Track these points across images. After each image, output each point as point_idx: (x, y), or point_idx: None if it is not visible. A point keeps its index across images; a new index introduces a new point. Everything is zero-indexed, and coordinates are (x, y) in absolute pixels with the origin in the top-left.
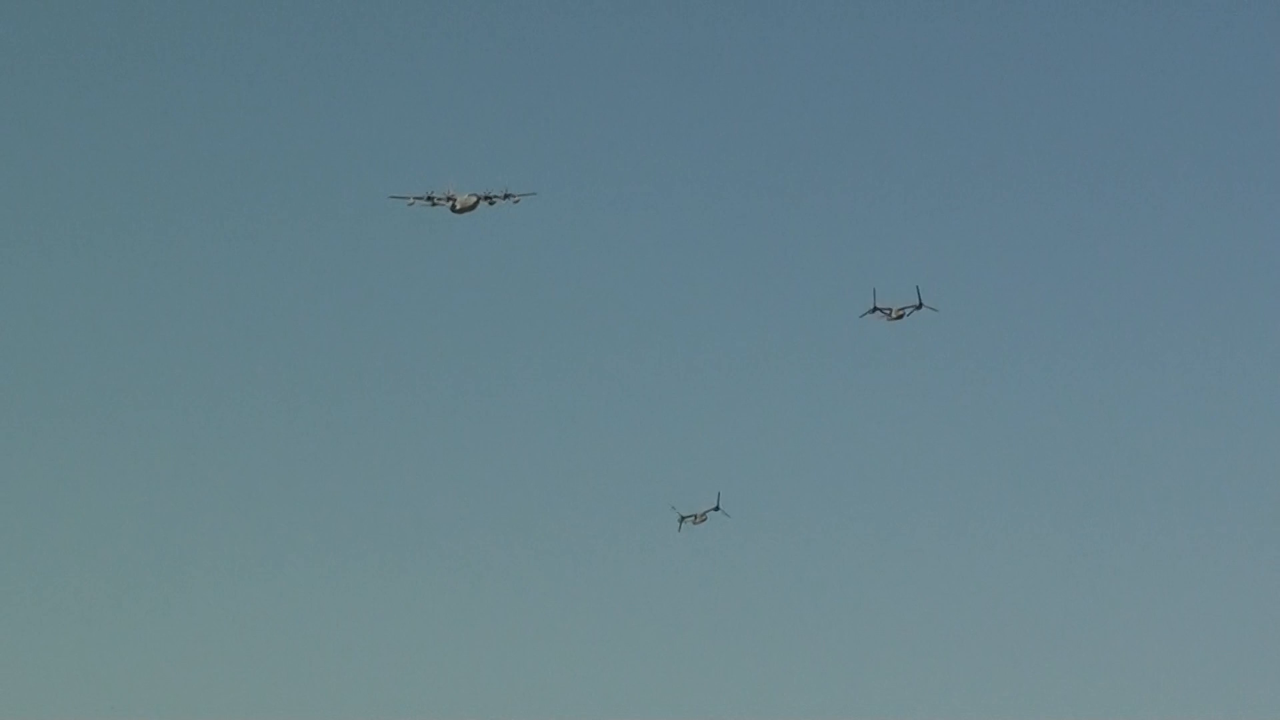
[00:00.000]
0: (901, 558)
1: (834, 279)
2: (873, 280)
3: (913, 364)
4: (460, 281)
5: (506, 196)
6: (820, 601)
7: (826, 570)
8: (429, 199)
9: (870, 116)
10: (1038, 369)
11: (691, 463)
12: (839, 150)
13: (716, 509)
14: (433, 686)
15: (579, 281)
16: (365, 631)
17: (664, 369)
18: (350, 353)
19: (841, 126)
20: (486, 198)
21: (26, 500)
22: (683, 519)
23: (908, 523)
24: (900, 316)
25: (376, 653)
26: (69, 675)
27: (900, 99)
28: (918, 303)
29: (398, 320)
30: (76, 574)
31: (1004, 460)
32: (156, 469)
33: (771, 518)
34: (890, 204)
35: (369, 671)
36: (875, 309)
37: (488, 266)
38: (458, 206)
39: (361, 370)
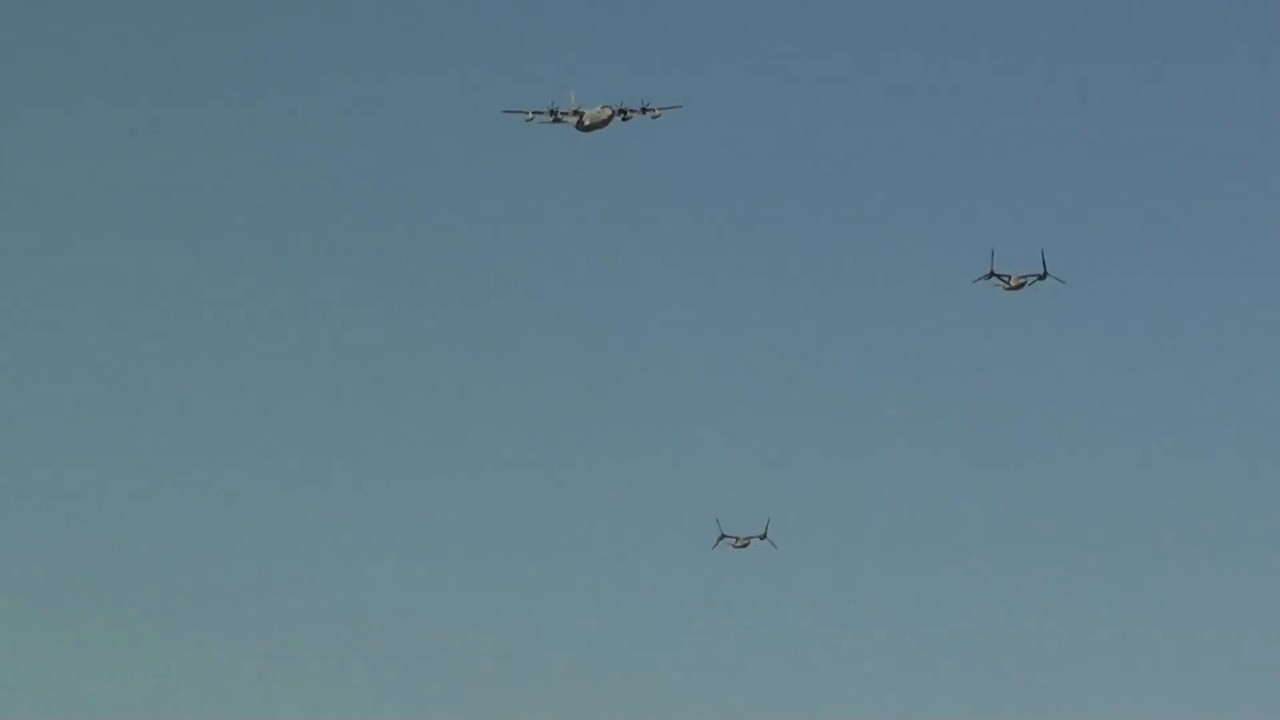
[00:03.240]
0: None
1: (952, 237)
2: (991, 242)
3: (1032, 345)
4: (584, 210)
5: (644, 110)
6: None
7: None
8: (552, 113)
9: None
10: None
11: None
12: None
13: (763, 536)
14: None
15: (705, 212)
16: (377, 638)
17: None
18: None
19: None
20: (620, 111)
21: (29, 501)
22: (722, 538)
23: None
24: (1020, 286)
25: (390, 657)
26: (70, 677)
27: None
28: (1042, 272)
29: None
30: (77, 574)
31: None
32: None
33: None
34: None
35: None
36: (992, 274)
37: (616, 193)
38: (586, 122)
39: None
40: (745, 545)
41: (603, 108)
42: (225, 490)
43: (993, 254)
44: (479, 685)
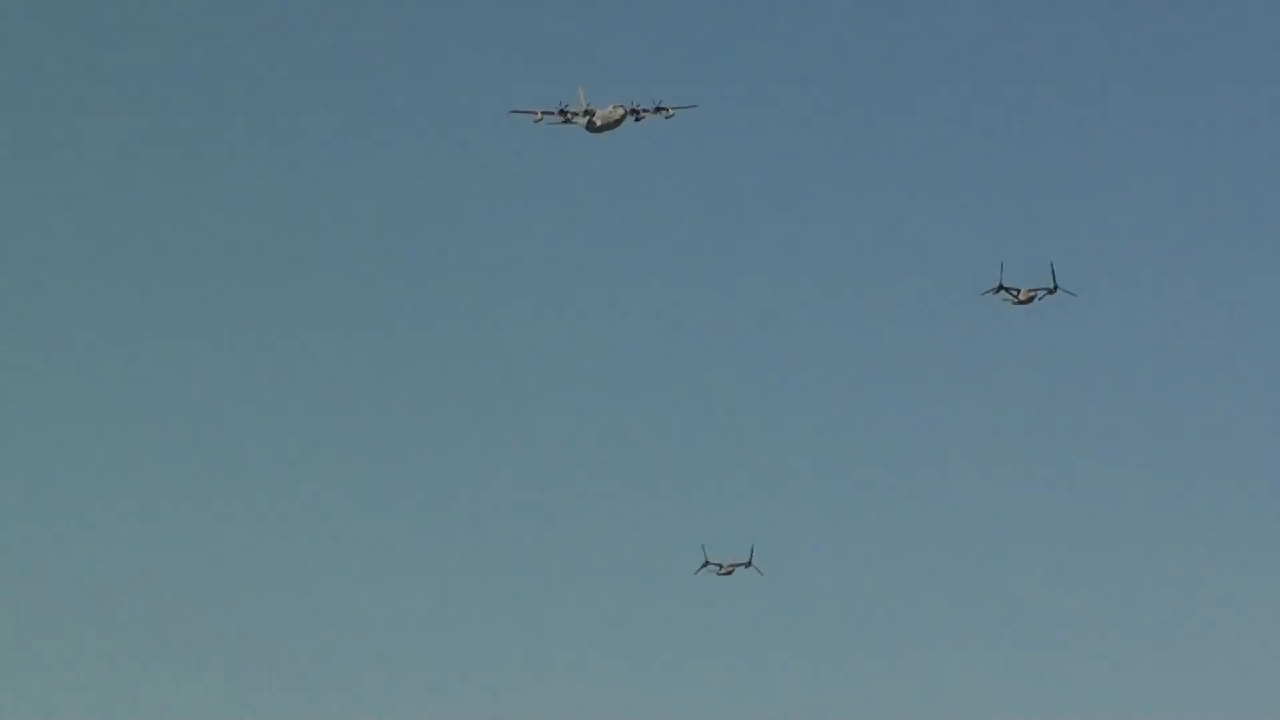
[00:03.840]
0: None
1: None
2: (1001, 255)
3: (1041, 360)
4: (594, 213)
5: (658, 110)
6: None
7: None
8: (562, 113)
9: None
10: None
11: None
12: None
13: (748, 564)
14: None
15: (720, 211)
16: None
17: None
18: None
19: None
20: (633, 111)
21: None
22: (705, 564)
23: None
24: (1030, 300)
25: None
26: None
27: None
28: (1051, 285)
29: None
30: (77, 575)
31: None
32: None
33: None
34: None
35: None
36: (1001, 287)
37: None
38: (597, 122)
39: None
40: (729, 573)
41: (615, 107)
42: (225, 492)
43: (1001, 267)
44: (477, 687)
